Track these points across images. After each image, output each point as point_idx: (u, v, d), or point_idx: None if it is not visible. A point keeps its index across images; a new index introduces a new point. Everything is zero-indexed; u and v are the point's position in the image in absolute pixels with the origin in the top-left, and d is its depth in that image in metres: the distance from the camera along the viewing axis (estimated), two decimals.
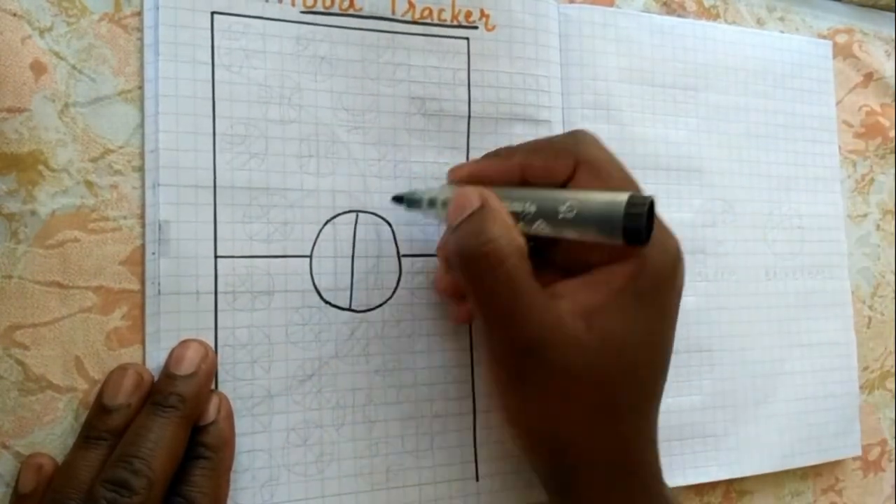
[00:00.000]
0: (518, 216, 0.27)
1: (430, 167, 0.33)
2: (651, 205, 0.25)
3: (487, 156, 0.31)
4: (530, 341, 0.26)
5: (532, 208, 0.27)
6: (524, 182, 0.29)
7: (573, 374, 0.26)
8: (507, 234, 0.26)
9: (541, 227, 0.27)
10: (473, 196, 0.27)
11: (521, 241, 0.27)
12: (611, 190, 0.27)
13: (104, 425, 0.27)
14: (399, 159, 0.33)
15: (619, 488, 0.28)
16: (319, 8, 0.32)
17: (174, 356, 0.28)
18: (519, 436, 0.29)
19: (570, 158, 0.28)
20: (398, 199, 0.31)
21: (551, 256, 0.30)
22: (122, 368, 0.28)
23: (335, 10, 0.32)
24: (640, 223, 0.25)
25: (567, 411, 0.27)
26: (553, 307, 0.26)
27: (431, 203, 0.30)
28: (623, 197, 0.25)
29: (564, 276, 0.28)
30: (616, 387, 0.27)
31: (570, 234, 0.26)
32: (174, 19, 0.30)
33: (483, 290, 0.26)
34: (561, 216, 0.26)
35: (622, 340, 0.26)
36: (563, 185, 0.28)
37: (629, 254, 0.27)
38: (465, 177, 0.30)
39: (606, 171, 0.28)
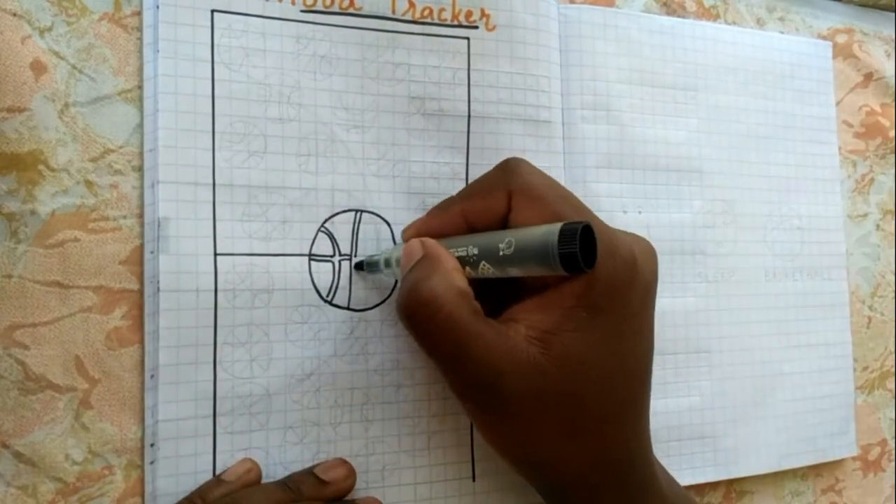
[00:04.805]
0: (464, 261, 0.28)
1: (430, 167, 0.33)
2: (585, 230, 0.25)
3: (431, 211, 0.32)
4: (484, 376, 0.26)
5: (475, 251, 0.27)
6: (471, 228, 0.30)
7: (535, 398, 0.26)
8: (445, 280, 0.26)
9: (486, 269, 0.27)
10: (416, 247, 0.28)
11: (462, 283, 0.27)
12: (547, 213, 0.27)
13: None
14: (398, 158, 0.33)
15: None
16: (319, 7, 0.32)
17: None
18: (502, 456, 0.29)
19: (503, 191, 0.28)
20: (359, 267, 0.32)
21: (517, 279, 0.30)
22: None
23: (335, 9, 0.32)
24: (573, 252, 0.24)
25: (536, 434, 0.27)
26: (506, 336, 0.26)
27: (387, 263, 0.31)
28: (556, 227, 0.25)
29: (528, 294, 0.28)
30: (583, 403, 0.27)
31: (515, 271, 0.26)
32: (174, 17, 0.30)
33: (427, 337, 0.26)
34: (501, 254, 0.26)
35: (582, 358, 0.26)
36: (505, 219, 0.29)
37: None
38: (413, 234, 0.31)
39: (539, 196, 0.28)
